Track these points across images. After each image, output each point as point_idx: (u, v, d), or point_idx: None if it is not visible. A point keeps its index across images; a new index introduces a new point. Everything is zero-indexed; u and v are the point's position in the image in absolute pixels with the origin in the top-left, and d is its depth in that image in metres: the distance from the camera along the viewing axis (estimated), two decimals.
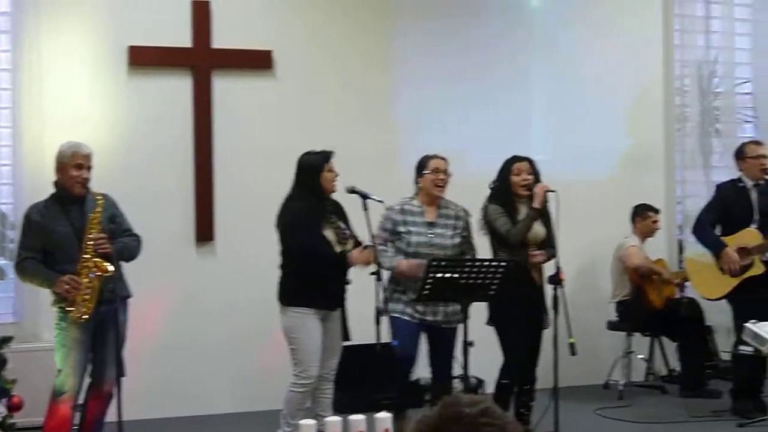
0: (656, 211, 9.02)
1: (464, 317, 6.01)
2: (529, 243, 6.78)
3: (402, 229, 6.54)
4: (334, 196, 6.45)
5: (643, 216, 8.94)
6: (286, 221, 6.32)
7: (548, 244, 6.82)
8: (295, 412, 6.25)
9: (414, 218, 6.59)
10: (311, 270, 6.24)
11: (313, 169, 6.35)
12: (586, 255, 8.94)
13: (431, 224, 6.60)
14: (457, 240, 6.65)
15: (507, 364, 6.86)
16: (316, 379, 6.31)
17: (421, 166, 6.70)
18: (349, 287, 6.48)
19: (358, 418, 4.21)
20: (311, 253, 6.24)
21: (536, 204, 6.69)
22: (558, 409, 6.51)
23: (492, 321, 6.77)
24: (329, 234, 6.33)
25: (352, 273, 6.44)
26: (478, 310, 6.45)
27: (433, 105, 8.74)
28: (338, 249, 6.31)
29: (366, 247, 6.24)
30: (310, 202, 6.31)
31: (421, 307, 6.46)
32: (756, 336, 5.95)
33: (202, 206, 8.07)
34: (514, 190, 6.82)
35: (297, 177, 6.43)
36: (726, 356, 8.83)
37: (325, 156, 6.39)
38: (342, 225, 6.42)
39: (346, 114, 8.49)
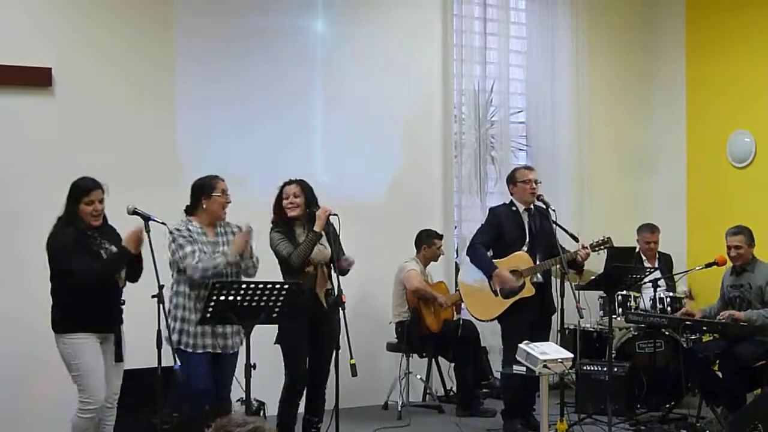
0: (440, 237, 9.25)
1: (247, 339, 5.81)
2: (315, 263, 6.88)
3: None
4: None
5: (429, 243, 9.15)
6: (56, 247, 5.99)
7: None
8: None
9: (201, 238, 6.42)
10: (83, 293, 5.94)
11: (71, 197, 6.06)
12: (368, 277, 9.03)
13: (214, 243, 6.45)
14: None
15: (291, 384, 6.93)
16: (103, 403, 6.05)
17: (210, 187, 6.46)
18: (125, 309, 6.24)
19: None
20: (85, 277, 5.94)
21: (316, 227, 6.78)
22: (339, 429, 6.59)
23: (280, 341, 6.83)
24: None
25: (128, 295, 6.26)
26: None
27: (217, 126, 8.67)
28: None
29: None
30: (78, 227, 6.01)
31: (209, 338, 6.30)
32: (528, 356, 6.15)
33: None
34: (285, 213, 6.95)
35: (66, 200, 6.10)
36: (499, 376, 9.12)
37: (87, 188, 6.05)
38: (114, 248, 6.13)
39: (128, 133, 8.28)
